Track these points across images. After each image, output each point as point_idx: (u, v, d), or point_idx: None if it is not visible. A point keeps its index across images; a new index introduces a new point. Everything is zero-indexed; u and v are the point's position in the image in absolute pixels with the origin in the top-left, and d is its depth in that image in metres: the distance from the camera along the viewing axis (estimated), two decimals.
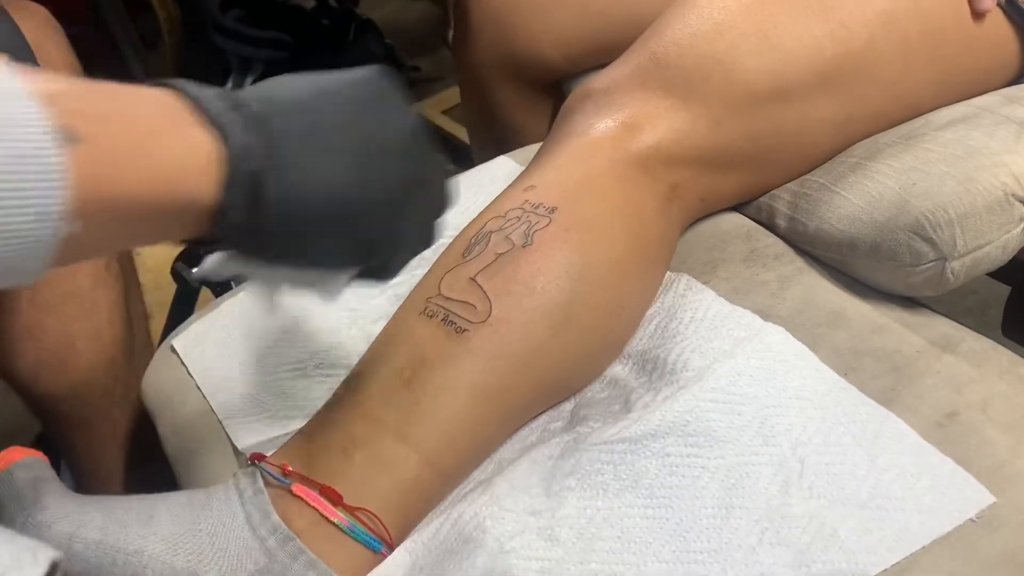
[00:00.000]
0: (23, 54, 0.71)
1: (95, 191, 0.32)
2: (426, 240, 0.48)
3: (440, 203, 0.47)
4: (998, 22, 0.66)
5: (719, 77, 0.61)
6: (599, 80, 0.64)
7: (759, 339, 0.57)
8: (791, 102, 0.62)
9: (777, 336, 0.57)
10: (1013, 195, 0.57)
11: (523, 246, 0.55)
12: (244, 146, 0.36)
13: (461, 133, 1.61)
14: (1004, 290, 0.77)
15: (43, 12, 0.83)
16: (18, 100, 0.30)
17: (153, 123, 0.35)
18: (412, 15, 2.18)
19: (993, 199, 0.57)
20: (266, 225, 0.38)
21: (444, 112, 1.76)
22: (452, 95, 1.75)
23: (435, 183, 0.46)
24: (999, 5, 0.65)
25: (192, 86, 0.37)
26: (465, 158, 1.11)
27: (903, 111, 0.66)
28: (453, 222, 0.56)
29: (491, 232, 0.57)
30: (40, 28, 0.80)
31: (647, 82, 0.62)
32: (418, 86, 1.88)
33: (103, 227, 0.33)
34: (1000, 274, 0.64)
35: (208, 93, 0.37)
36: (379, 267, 0.46)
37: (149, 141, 0.34)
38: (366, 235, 0.42)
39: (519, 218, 0.57)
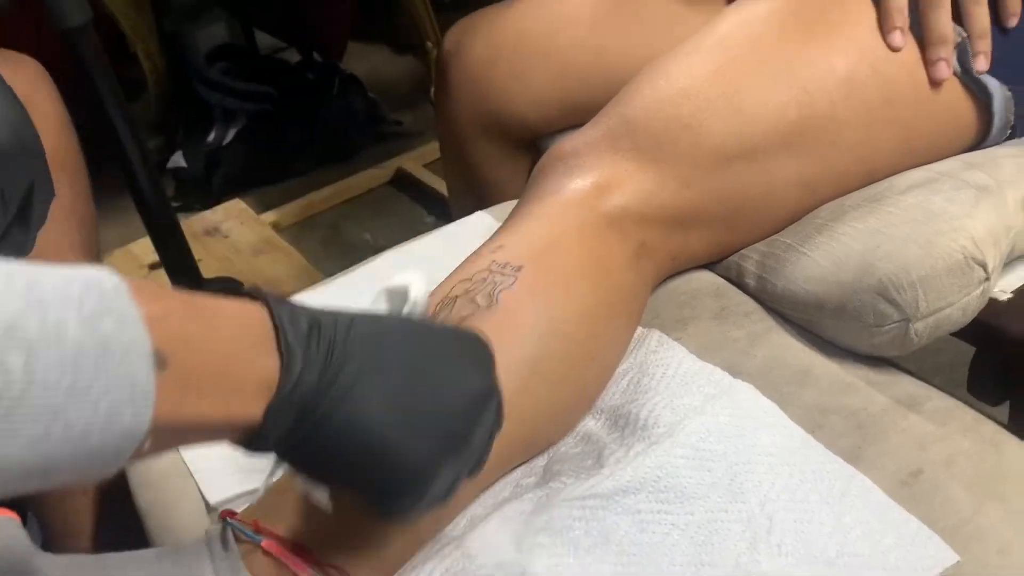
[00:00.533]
0: (13, 107, 0.72)
1: (168, 413, 0.34)
2: (445, 493, 0.46)
3: (475, 463, 0.47)
4: (955, 90, 0.68)
5: (687, 140, 0.63)
6: (570, 142, 0.66)
7: (729, 396, 0.58)
8: (757, 163, 0.64)
9: (746, 393, 0.58)
10: (972, 258, 0.59)
11: (487, 307, 0.56)
12: (298, 382, 0.38)
13: (442, 187, 1.63)
14: (971, 350, 0.78)
15: (34, 64, 0.84)
16: (133, 327, 0.32)
17: (229, 347, 0.37)
18: (396, 71, 2.21)
19: (953, 262, 0.59)
20: (300, 450, 0.40)
21: (426, 166, 1.79)
22: (434, 149, 1.77)
23: (477, 448, 0.46)
24: (955, 74, 0.67)
25: (282, 305, 0.39)
26: (445, 211, 1.12)
27: (867, 174, 0.68)
28: (429, 279, 0.56)
29: (456, 297, 0.58)
30: (31, 81, 0.81)
31: (616, 145, 0.64)
32: (400, 140, 1.90)
33: (165, 439, 0.35)
34: (964, 335, 0.66)
35: (293, 322, 0.39)
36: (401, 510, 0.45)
37: (220, 364, 0.36)
38: (391, 484, 0.42)
39: (485, 279, 0.58)
